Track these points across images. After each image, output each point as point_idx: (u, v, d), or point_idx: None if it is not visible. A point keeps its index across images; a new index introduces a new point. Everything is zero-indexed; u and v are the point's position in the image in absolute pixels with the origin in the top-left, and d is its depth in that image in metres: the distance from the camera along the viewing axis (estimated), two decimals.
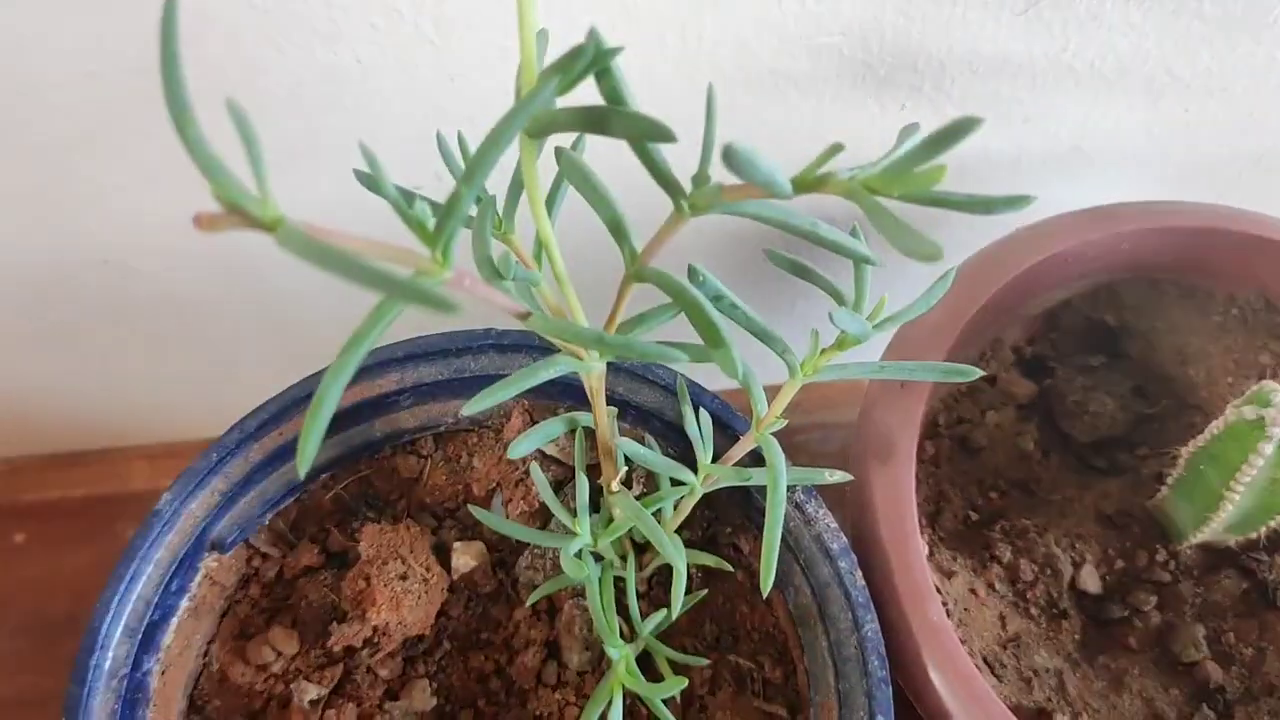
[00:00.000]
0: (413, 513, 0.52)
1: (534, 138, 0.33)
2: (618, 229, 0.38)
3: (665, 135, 0.28)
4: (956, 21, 0.47)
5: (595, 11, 0.44)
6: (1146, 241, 0.51)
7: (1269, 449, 0.41)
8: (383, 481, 0.52)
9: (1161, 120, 0.53)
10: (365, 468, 0.52)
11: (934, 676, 0.43)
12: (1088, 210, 0.52)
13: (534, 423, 0.51)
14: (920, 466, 0.53)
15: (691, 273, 0.41)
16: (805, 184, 0.32)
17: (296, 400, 0.48)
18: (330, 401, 0.26)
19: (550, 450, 0.51)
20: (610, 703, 0.44)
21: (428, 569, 0.48)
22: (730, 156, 0.26)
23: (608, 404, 0.50)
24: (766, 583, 0.42)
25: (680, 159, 0.32)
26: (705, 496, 0.50)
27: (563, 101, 0.31)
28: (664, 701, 0.47)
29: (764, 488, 0.44)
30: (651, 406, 0.49)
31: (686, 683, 0.44)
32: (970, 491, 0.52)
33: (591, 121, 0.30)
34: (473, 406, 0.38)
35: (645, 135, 0.29)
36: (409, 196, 0.32)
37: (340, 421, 0.50)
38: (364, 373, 0.49)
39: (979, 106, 0.51)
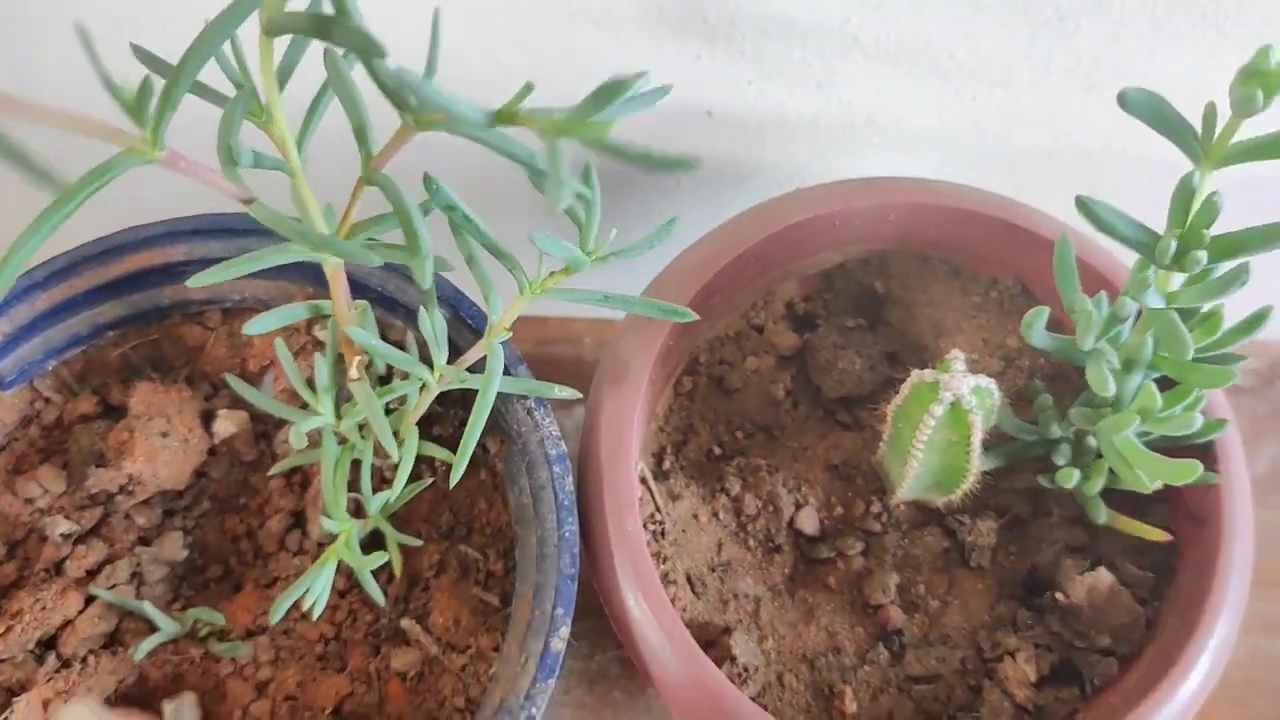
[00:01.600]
0: (193, 379, 0.55)
1: (270, 36, 0.36)
2: (361, 133, 0.41)
3: (377, 51, 0.31)
4: None
5: None
6: (912, 217, 0.54)
7: (939, 410, 0.45)
8: (170, 347, 0.55)
9: (950, 105, 0.56)
10: (155, 333, 0.55)
11: (620, 580, 0.47)
12: (862, 179, 0.55)
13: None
14: (676, 399, 0.56)
15: (426, 180, 0.45)
16: (504, 116, 0.35)
17: (88, 257, 0.51)
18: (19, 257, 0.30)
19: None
20: (324, 569, 0.47)
21: (189, 430, 0.52)
22: (415, 92, 0.31)
23: (378, 299, 0.53)
24: (456, 473, 0.46)
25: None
26: (463, 396, 0.53)
27: None
28: (388, 578, 0.51)
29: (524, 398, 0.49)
30: (415, 306, 0.52)
31: (388, 558, 0.48)
32: (718, 428, 0.56)
33: (316, 28, 0.33)
34: (198, 280, 0.41)
35: (359, 48, 0.32)
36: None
37: (127, 284, 0.53)
38: (152, 241, 0.52)
39: (773, 66, 0.54)
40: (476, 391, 0.46)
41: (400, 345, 0.49)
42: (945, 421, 0.45)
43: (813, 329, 0.58)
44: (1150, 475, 0.46)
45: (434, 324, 0.49)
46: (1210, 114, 0.40)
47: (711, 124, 0.58)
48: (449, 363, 0.49)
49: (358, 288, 0.53)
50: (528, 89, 0.35)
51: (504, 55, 0.53)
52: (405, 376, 0.51)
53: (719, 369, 0.57)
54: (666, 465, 0.54)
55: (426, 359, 0.48)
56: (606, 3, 0.51)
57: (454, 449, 0.46)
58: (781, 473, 0.54)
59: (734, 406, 0.57)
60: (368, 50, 0.31)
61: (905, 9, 0.50)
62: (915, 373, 0.46)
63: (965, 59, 0.53)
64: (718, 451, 0.56)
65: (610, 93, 0.32)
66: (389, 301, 0.53)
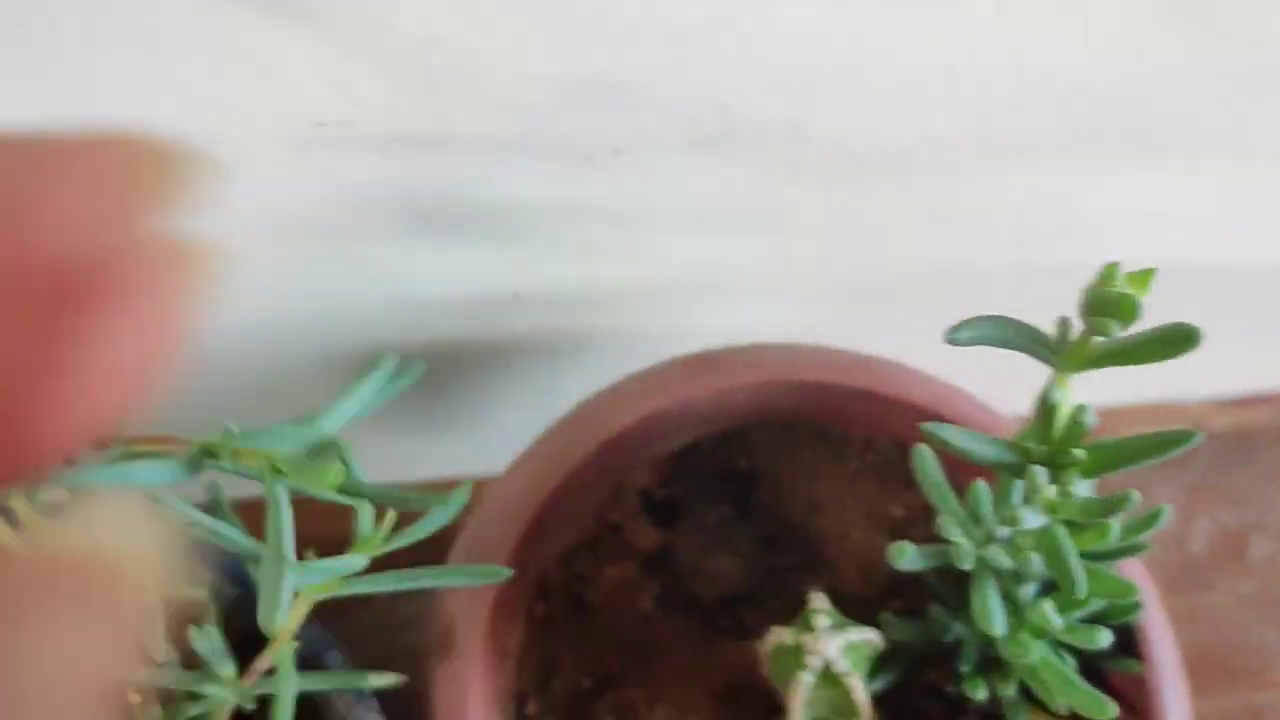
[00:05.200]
0: None
1: None
2: None
3: None
4: (506, 176, 0.41)
5: None
6: (762, 393, 0.47)
7: (809, 678, 0.38)
8: None
9: (788, 253, 0.49)
10: None
11: None
12: (694, 359, 0.47)
13: None
14: (531, 630, 0.49)
15: None
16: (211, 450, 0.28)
17: None
18: None
19: None
20: None
21: None
22: None
23: None
24: None
25: None
26: None
27: None
28: None
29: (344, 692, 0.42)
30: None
31: None
32: (585, 657, 0.49)
33: None
34: None
35: None
36: None
37: None
38: None
39: (570, 249, 0.46)
40: None
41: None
42: (820, 684, 0.39)
43: (674, 520, 0.51)
44: (1058, 699, 0.40)
45: (210, 639, 0.41)
46: (1064, 328, 0.33)
47: (520, 305, 0.50)
48: (244, 667, 0.42)
49: None
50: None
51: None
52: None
53: (576, 586, 0.50)
54: (530, 711, 0.47)
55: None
56: (352, 213, 0.43)
57: None
58: (662, 704, 0.47)
59: (599, 628, 0.49)
60: None
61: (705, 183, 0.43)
62: (773, 631, 0.39)
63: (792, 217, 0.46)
64: (588, 685, 0.49)
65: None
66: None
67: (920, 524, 0.49)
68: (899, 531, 0.49)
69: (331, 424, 0.31)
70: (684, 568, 0.50)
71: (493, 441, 0.58)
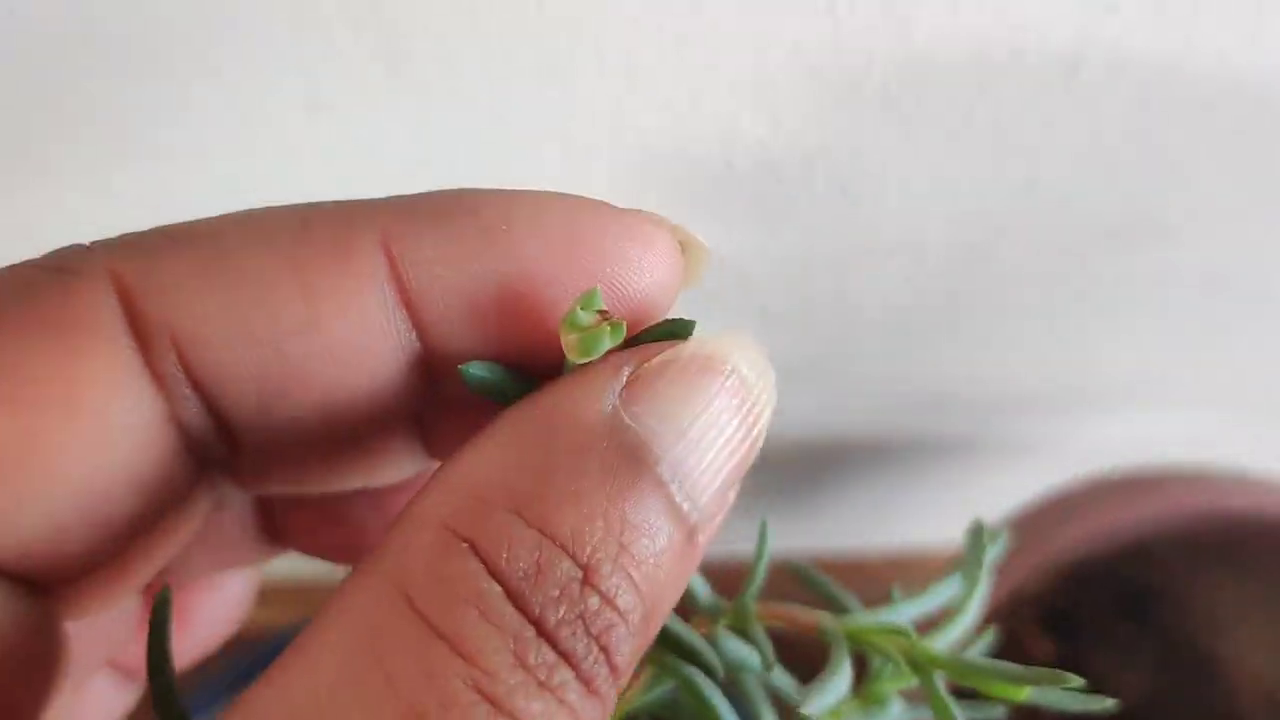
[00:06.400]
0: None
1: None
2: None
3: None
4: None
5: None
6: (1186, 519, 0.48)
7: None
8: None
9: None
10: None
11: None
12: (1127, 482, 0.48)
13: None
14: None
15: None
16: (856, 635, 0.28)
17: None
18: None
19: None
20: None
21: None
22: None
23: None
24: None
25: None
26: None
27: None
28: None
29: None
30: None
31: None
32: None
33: None
34: None
35: None
36: None
37: None
38: None
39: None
40: None
41: None
42: None
43: (1071, 634, 0.52)
44: None
45: None
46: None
47: (943, 405, 0.51)
48: None
49: None
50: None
51: None
52: None
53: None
54: None
55: None
56: None
57: None
58: None
59: None
60: None
61: None
62: None
63: None
64: None
65: None
66: None
67: None
68: None
69: (950, 593, 0.31)
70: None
71: (847, 528, 0.59)
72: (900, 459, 0.56)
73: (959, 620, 0.30)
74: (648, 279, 0.19)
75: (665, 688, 0.38)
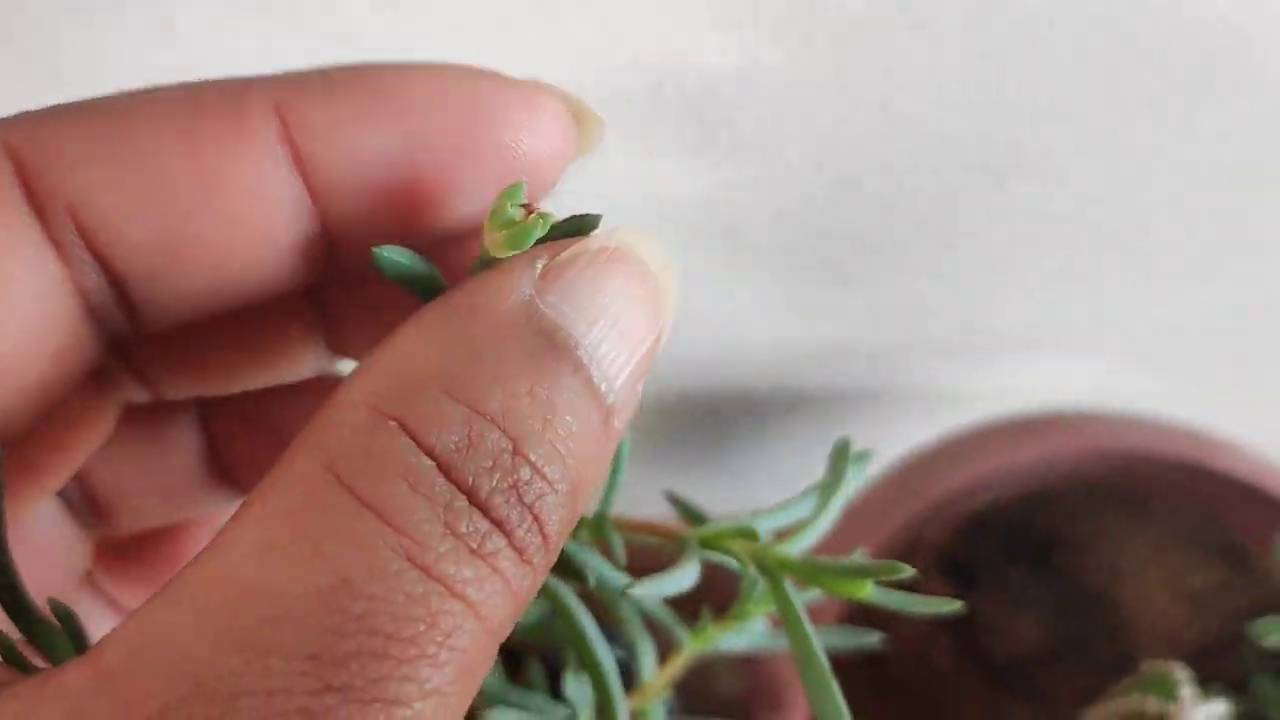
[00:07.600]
0: None
1: None
2: None
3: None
4: None
5: None
6: (1082, 461, 0.48)
7: None
8: None
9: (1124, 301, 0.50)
10: None
11: None
12: (1016, 425, 0.49)
13: None
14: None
15: None
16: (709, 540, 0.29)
17: None
18: None
19: None
20: None
21: None
22: None
23: None
24: None
25: None
26: None
27: None
28: None
29: None
30: None
31: None
32: (879, 707, 0.50)
33: None
34: None
35: None
36: None
37: None
38: None
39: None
40: None
41: None
42: None
43: (970, 580, 0.52)
44: None
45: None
46: None
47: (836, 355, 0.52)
48: None
49: None
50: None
51: None
52: None
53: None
54: None
55: None
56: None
57: None
58: None
59: (892, 680, 0.51)
60: None
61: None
62: (1132, 700, 0.40)
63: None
64: None
65: None
66: None
67: (1221, 597, 0.49)
68: (1199, 603, 0.49)
69: (808, 509, 0.31)
70: (981, 630, 0.51)
71: (763, 488, 0.59)
72: (810, 411, 0.56)
73: (811, 529, 0.30)
74: (541, 144, 0.20)
75: (536, 610, 0.39)
